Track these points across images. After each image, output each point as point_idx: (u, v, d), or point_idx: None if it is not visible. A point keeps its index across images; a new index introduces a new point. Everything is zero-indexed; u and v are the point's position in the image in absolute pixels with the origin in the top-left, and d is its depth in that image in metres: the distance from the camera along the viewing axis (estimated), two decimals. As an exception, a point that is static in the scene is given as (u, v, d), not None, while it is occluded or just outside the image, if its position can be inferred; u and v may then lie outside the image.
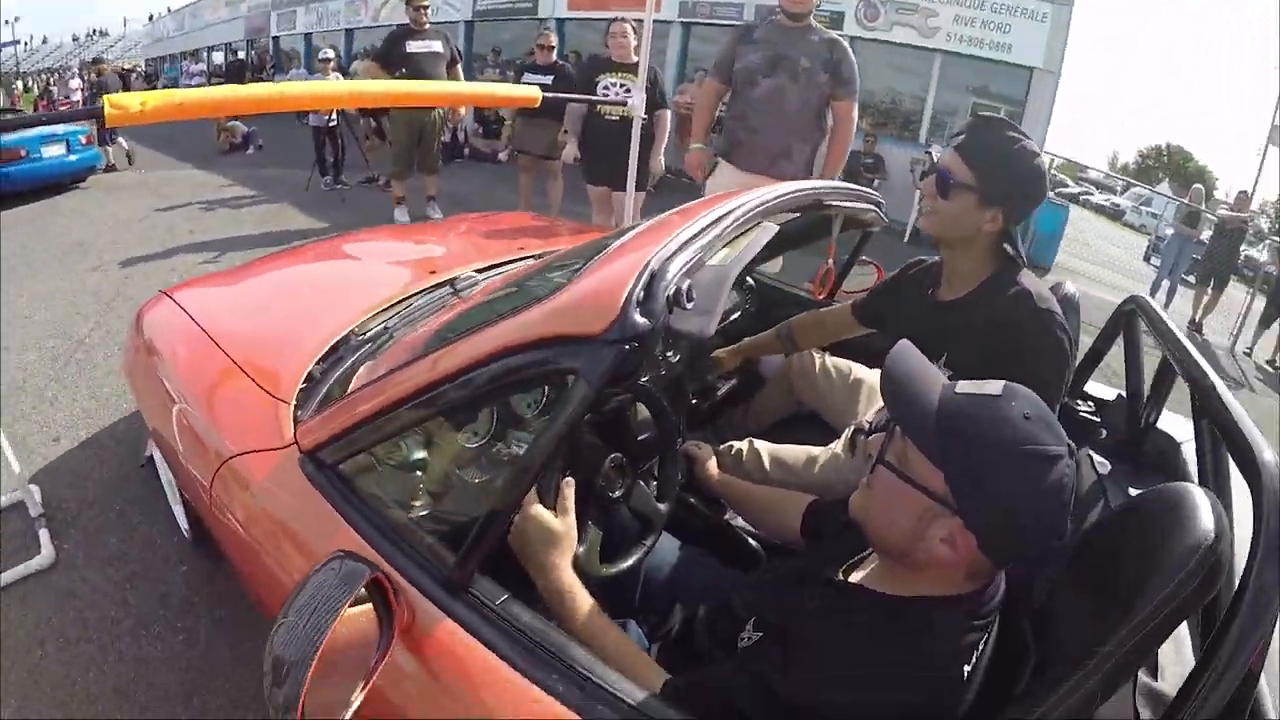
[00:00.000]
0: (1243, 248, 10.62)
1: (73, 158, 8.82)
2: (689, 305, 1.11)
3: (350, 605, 1.11)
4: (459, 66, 6.68)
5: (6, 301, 5.00)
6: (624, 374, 1.09)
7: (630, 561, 1.54)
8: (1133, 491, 1.70)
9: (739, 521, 1.94)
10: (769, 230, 1.53)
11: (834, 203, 2.02)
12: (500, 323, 1.32)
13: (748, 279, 2.92)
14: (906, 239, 9.74)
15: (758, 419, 2.66)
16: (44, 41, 54.43)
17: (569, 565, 1.33)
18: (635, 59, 4.91)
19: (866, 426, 1.96)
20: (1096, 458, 1.94)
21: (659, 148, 5.29)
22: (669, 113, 5.44)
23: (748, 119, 4.00)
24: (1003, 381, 1.06)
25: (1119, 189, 26.83)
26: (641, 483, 1.64)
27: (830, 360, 2.46)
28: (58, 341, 4.47)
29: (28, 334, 4.56)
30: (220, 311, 2.35)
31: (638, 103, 3.95)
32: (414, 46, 6.26)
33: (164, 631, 2.46)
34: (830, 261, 2.65)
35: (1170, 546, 1.00)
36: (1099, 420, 2.01)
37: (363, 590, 1.14)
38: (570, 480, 1.39)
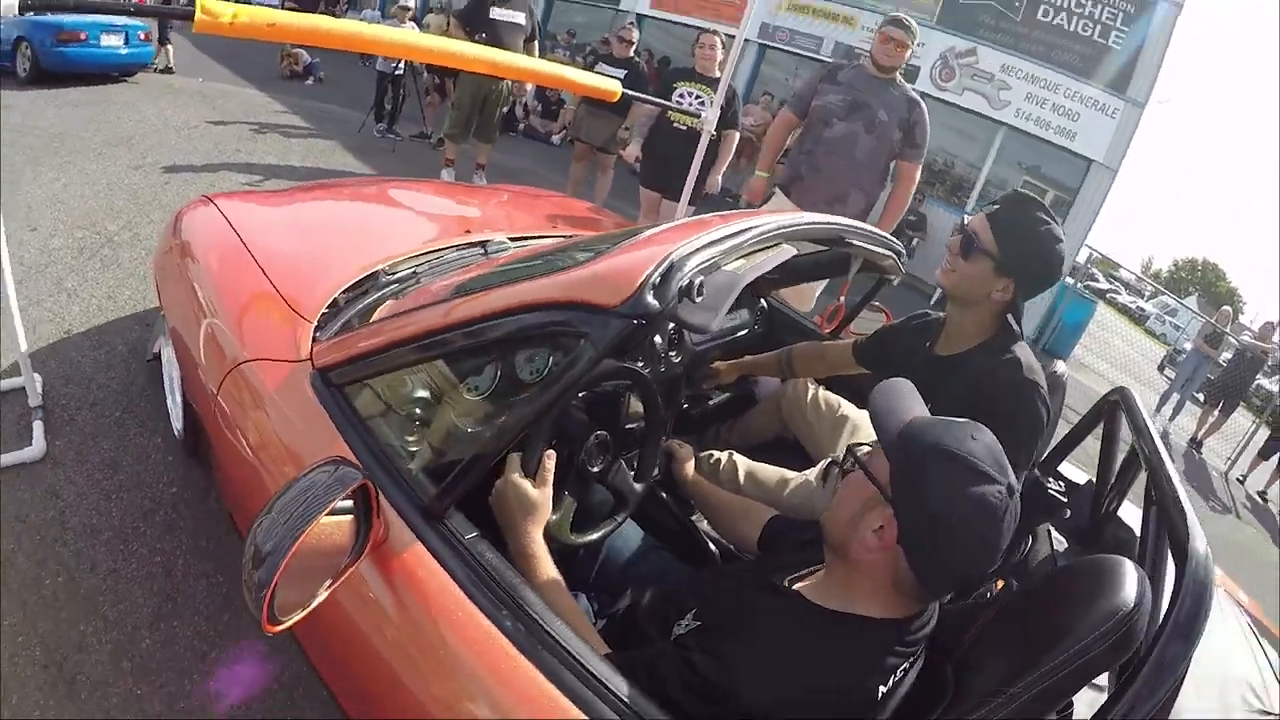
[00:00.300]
0: (1259, 378, 10.69)
1: (126, 51, 8.88)
2: (698, 299, 1.22)
3: (332, 512, 1.19)
4: (536, 43, 6.61)
5: (44, 182, 5.00)
6: (628, 348, 1.20)
7: (599, 533, 1.64)
8: None
9: (705, 525, 2.01)
10: (786, 252, 1.62)
11: (856, 243, 2.09)
12: (521, 283, 1.42)
13: (762, 301, 3.00)
14: (933, 301, 9.74)
15: (743, 436, 2.72)
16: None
17: (539, 532, 1.42)
18: (718, 74, 5.00)
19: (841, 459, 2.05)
20: (1055, 535, 2.02)
21: (720, 166, 5.26)
22: (737, 134, 5.41)
23: (815, 157, 4.05)
24: (972, 421, 1.20)
25: (1146, 294, 26.70)
26: (622, 463, 1.72)
27: (823, 393, 2.53)
28: (86, 233, 4.40)
29: (58, 218, 4.51)
30: (260, 226, 2.41)
31: (711, 117, 3.94)
32: (498, 14, 6.17)
33: (141, 550, 2.41)
34: (842, 299, 2.77)
35: (1092, 609, 1.09)
36: (1065, 500, 2.05)
37: (347, 501, 1.24)
38: (553, 453, 1.47)
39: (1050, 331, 10.46)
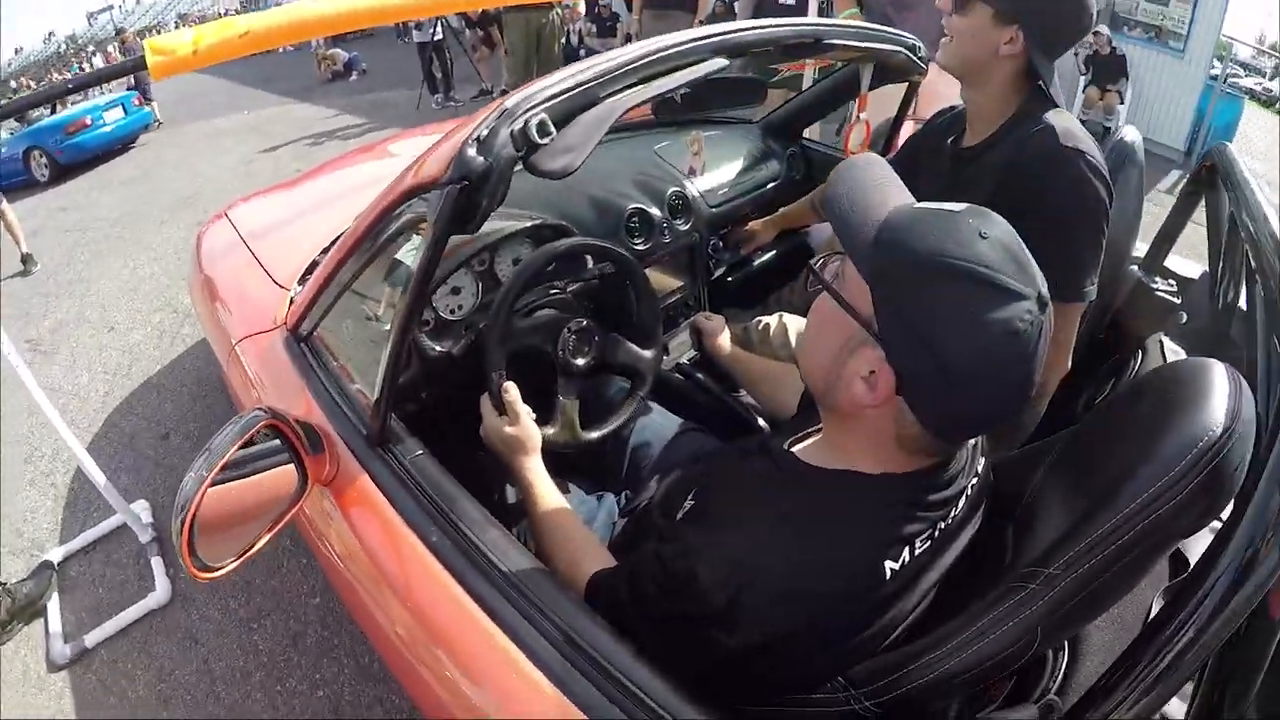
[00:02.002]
0: None
1: (128, 119, 9.27)
2: (544, 140, 1.03)
3: (270, 460, 1.23)
4: None
5: (113, 274, 4.90)
6: (465, 216, 1.06)
7: (618, 421, 1.57)
8: None
9: (750, 399, 1.87)
10: (711, 65, 1.34)
11: (837, 42, 1.74)
12: (395, 181, 1.35)
13: (793, 146, 2.72)
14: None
15: (805, 295, 2.42)
16: (138, 1, 55.31)
17: (531, 462, 1.35)
18: None
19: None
20: (1169, 344, 1.75)
21: None
22: None
23: None
24: (973, 205, 0.88)
25: (1268, 73, 24.38)
26: (619, 337, 1.61)
27: (790, 321, 2.19)
28: (163, 315, 4.25)
29: (134, 309, 4.36)
30: (263, 220, 2.51)
31: None
32: None
33: (300, 685, 2.14)
34: (861, 116, 2.28)
35: (1163, 441, 0.78)
36: (1179, 301, 1.78)
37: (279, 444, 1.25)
38: (510, 385, 1.39)
39: (1203, 140, 9.31)
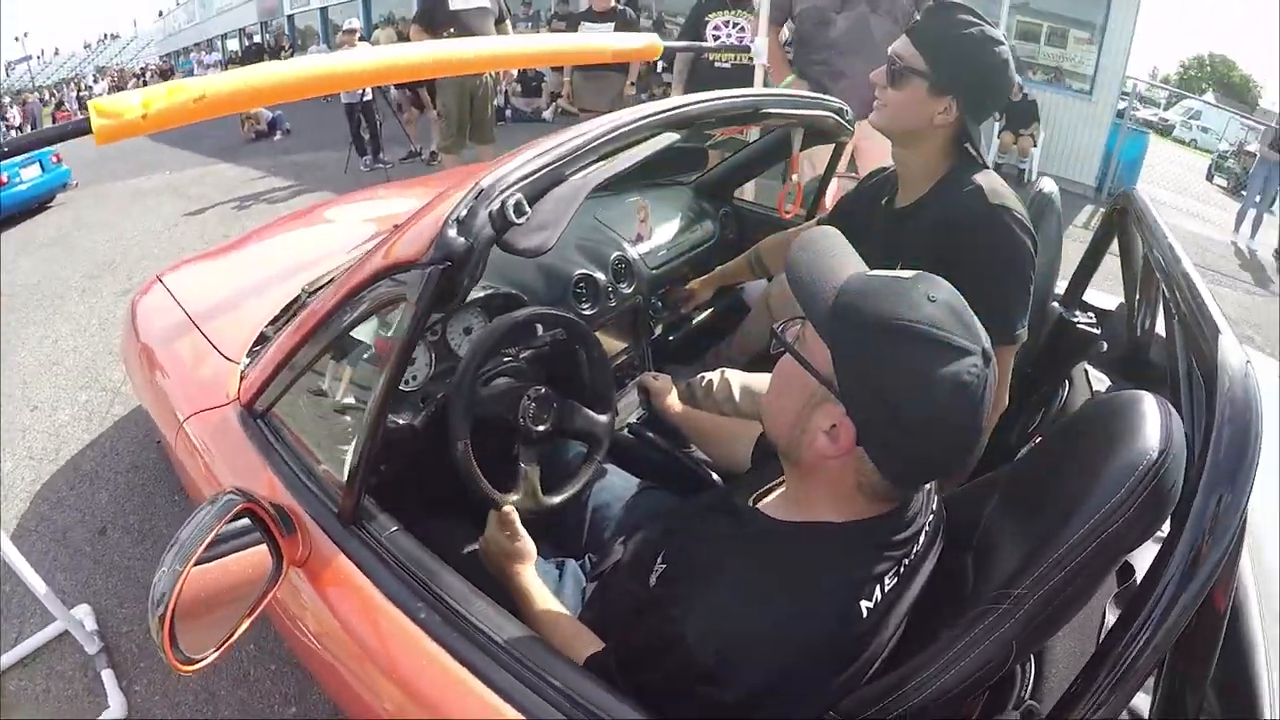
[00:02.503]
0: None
1: (46, 176, 8.90)
2: (520, 220, 1.09)
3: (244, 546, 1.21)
4: (508, 23, 5.81)
5: (33, 345, 4.56)
6: (447, 296, 1.10)
7: (577, 485, 1.58)
8: None
9: (702, 454, 1.90)
10: (665, 139, 1.42)
11: (774, 110, 1.89)
12: (357, 265, 1.36)
13: (725, 206, 2.83)
14: None
15: (743, 349, 2.56)
16: (56, 53, 54.40)
17: (527, 571, 1.37)
18: None
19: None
20: (1093, 373, 1.86)
21: None
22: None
23: (831, 65, 3.50)
24: (922, 272, 0.97)
25: (1162, 103, 25.70)
26: (575, 402, 1.63)
27: (734, 378, 2.26)
28: (90, 394, 3.94)
29: (58, 386, 4.06)
30: (200, 287, 2.43)
31: (760, 48, 3.38)
32: (458, 3, 5.36)
33: None
34: (795, 178, 2.45)
35: (1105, 466, 0.87)
36: (1099, 332, 1.90)
37: (252, 526, 1.23)
38: (510, 510, 1.40)
39: (1112, 176, 9.73)
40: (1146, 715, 0.95)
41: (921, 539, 1.03)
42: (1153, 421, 0.88)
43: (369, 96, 8.71)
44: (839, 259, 1.02)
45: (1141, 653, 0.78)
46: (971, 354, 0.88)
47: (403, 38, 12.97)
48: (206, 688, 2.23)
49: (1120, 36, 9.52)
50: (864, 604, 0.94)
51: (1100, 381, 1.80)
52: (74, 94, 27.47)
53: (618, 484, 1.74)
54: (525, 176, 1.13)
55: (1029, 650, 0.98)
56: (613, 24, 5.65)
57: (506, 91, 11.66)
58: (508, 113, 11.75)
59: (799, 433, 0.98)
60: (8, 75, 48.43)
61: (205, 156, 10.23)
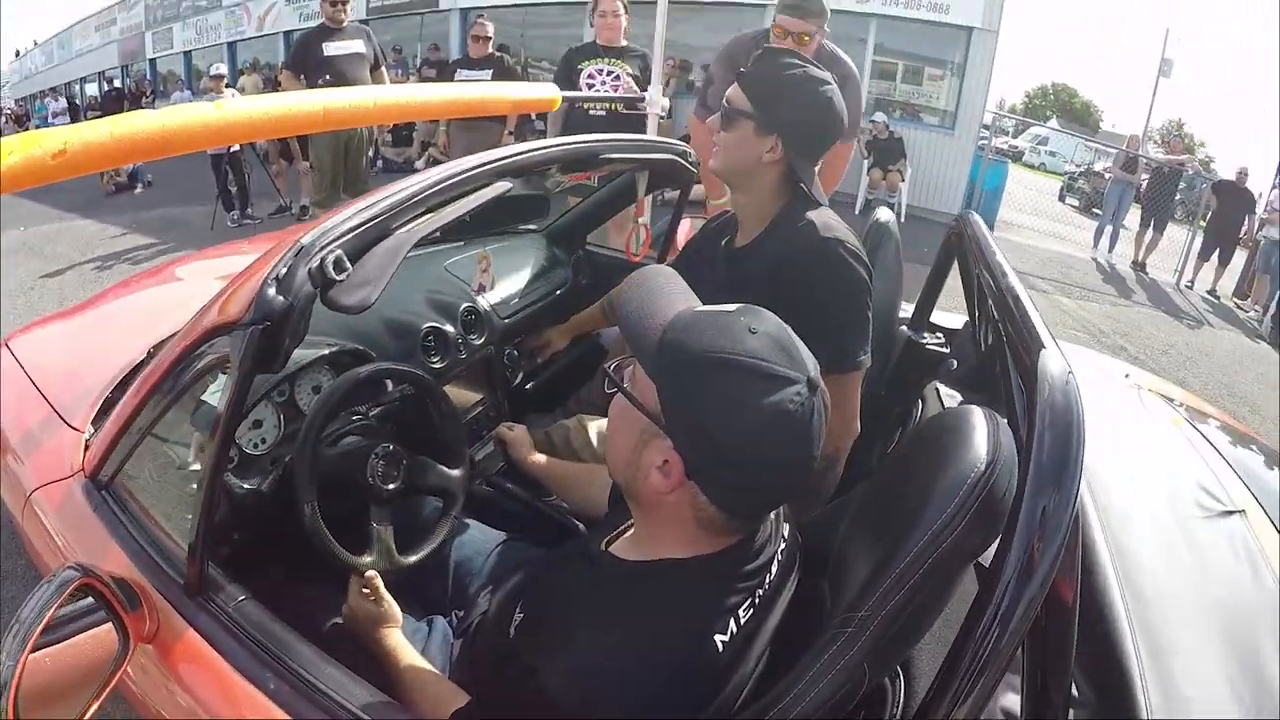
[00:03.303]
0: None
1: None
2: (340, 277, 1.08)
3: (88, 619, 1.16)
4: (384, 69, 5.88)
5: None
6: (269, 356, 1.08)
7: (436, 542, 1.57)
8: None
9: (563, 502, 1.91)
10: (499, 188, 1.45)
11: (614, 155, 1.93)
12: (195, 319, 1.33)
13: (578, 252, 2.87)
14: (858, 210, 9.58)
15: (603, 394, 2.52)
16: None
17: (394, 635, 1.36)
18: (624, 42, 4.57)
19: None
20: (944, 390, 1.90)
21: None
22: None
23: None
24: (746, 304, 1.00)
25: (1011, 131, 27.29)
26: (426, 458, 1.62)
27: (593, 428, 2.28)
28: None
29: None
30: (48, 352, 2.32)
31: (655, 96, 3.47)
32: (332, 49, 5.40)
33: None
34: (641, 220, 2.54)
35: (938, 481, 0.91)
36: (948, 350, 1.96)
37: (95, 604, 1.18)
38: (372, 574, 1.39)
39: (977, 203, 10.29)
40: (1018, 714, 0.98)
41: (775, 568, 1.05)
42: (981, 434, 0.92)
43: (236, 148, 8.34)
44: (668, 297, 1.04)
45: (992, 652, 0.80)
46: (796, 383, 0.90)
47: (270, 84, 12.65)
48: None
49: (979, 73, 10.15)
50: (719, 638, 0.95)
51: (952, 398, 1.85)
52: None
53: (480, 538, 1.74)
54: (347, 232, 1.12)
55: (884, 669, 1.00)
56: (490, 71, 5.71)
57: (377, 141, 11.42)
58: (379, 163, 11.46)
59: (634, 470, 0.99)
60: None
61: (62, 211, 9.63)
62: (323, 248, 1.08)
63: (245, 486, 1.53)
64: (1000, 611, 0.80)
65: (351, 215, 1.16)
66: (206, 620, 1.24)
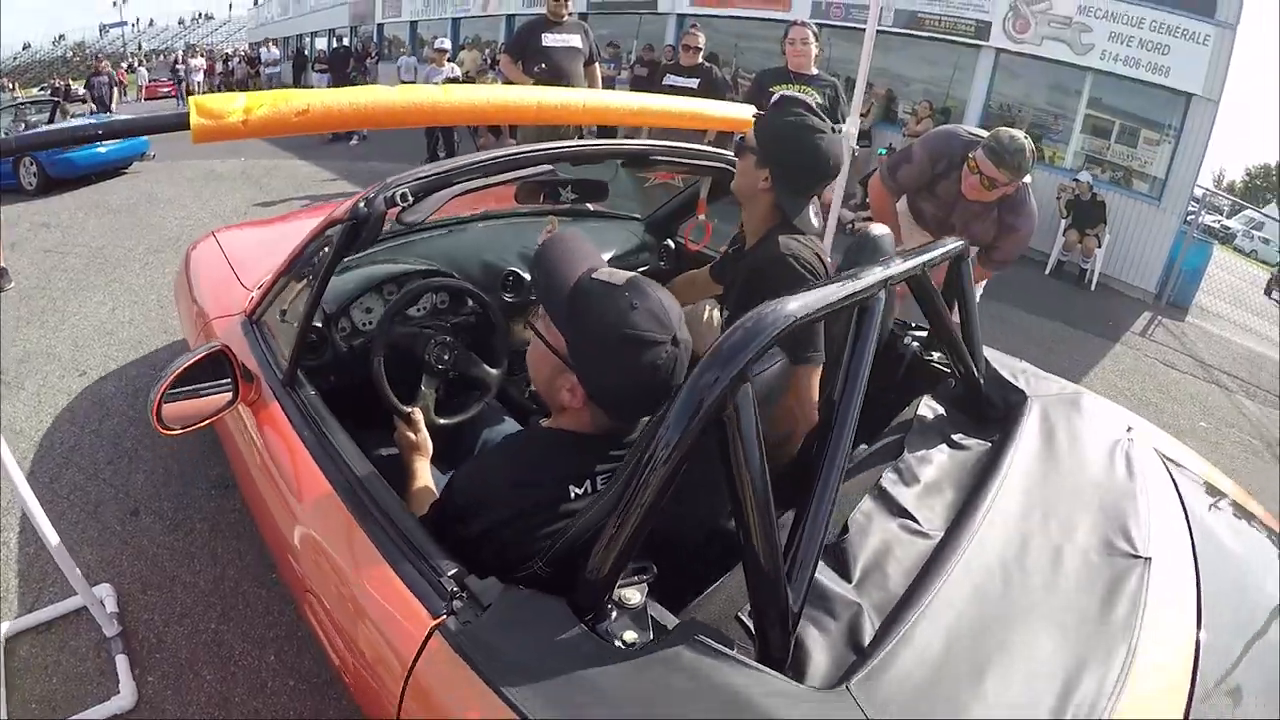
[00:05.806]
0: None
1: (123, 144, 9.22)
2: (403, 204, 1.58)
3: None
4: (597, 66, 5.93)
5: (89, 310, 4.58)
6: (351, 242, 1.63)
7: (465, 415, 2.10)
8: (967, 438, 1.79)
9: None
10: (543, 169, 1.87)
11: (662, 159, 2.33)
12: (326, 217, 1.93)
13: (666, 241, 3.28)
14: (1049, 271, 9.11)
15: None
16: (150, 24, 55.72)
17: (421, 461, 1.82)
18: (814, 71, 4.71)
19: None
20: (934, 404, 1.98)
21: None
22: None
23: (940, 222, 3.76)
24: (634, 275, 1.32)
25: (1225, 211, 25.21)
26: (473, 354, 2.16)
27: (717, 314, 2.61)
28: (141, 369, 3.89)
29: (108, 355, 4.04)
30: (244, 243, 3.14)
31: (851, 129, 3.64)
32: (551, 40, 5.54)
33: None
34: (702, 217, 2.88)
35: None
36: (948, 370, 2.10)
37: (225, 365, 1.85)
38: (416, 412, 1.90)
39: (1173, 284, 9.55)
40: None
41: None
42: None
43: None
44: (575, 261, 1.36)
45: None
46: (662, 343, 1.24)
47: (488, 61, 13.26)
48: (221, 691, 2.19)
49: (1194, 144, 9.32)
50: (573, 489, 1.31)
51: (935, 412, 1.92)
52: (171, 62, 28.73)
53: (508, 429, 2.19)
54: (417, 178, 1.62)
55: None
56: (698, 80, 5.86)
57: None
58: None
59: (550, 389, 1.36)
60: (101, 37, 49.97)
61: (281, 149, 10.22)
62: (396, 185, 1.59)
63: (351, 345, 2.18)
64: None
65: (429, 170, 1.66)
66: (289, 401, 1.82)
